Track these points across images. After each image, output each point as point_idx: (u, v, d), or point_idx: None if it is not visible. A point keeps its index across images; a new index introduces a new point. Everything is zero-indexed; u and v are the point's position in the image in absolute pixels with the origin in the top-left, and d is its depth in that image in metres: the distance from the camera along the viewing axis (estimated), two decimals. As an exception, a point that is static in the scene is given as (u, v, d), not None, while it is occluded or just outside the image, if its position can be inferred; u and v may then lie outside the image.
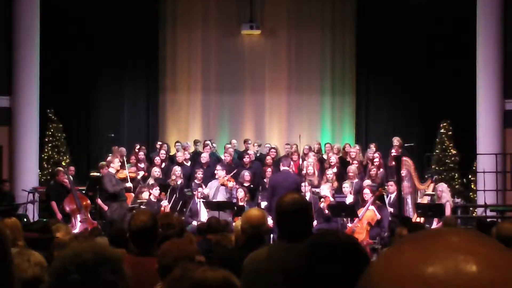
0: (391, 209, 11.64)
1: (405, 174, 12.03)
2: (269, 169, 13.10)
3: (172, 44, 16.91)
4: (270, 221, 11.67)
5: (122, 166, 12.72)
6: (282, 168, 11.79)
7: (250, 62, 16.94)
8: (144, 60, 16.52)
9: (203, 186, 12.67)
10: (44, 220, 7.95)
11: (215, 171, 12.88)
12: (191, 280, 2.37)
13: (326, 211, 11.65)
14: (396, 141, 13.85)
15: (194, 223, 11.64)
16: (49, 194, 12.26)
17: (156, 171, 12.64)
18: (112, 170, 11.97)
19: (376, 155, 13.33)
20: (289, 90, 17.03)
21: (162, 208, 11.84)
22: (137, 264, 3.59)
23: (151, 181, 12.56)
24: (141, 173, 12.44)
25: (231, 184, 12.66)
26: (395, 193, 11.72)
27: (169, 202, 12.16)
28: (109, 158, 12.75)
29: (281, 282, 2.24)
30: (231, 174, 12.95)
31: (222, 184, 12.66)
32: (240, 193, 12.31)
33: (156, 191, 12.14)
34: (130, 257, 3.78)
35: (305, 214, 3.25)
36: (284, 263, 1.98)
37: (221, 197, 12.45)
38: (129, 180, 12.16)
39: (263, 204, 12.38)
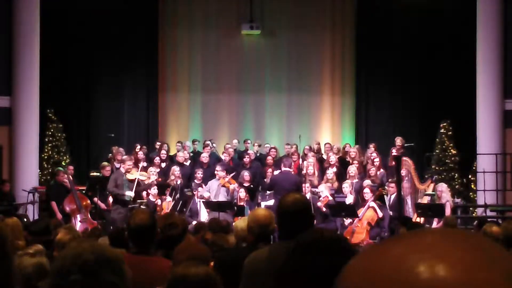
0: (390, 212, 11.64)
1: (405, 174, 12.02)
2: (269, 169, 13.10)
3: (172, 44, 16.91)
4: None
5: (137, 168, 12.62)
6: (283, 168, 11.83)
7: (250, 62, 16.94)
8: (144, 60, 16.51)
9: (203, 186, 12.66)
10: (42, 219, 7.96)
11: (215, 171, 12.86)
12: (173, 275, 2.37)
13: (324, 210, 11.67)
14: (399, 141, 13.85)
15: (194, 223, 11.63)
16: (49, 194, 12.27)
17: (152, 171, 12.57)
18: (123, 171, 11.95)
19: (374, 155, 13.31)
20: (289, 90, 17.02)
21: (165, 204, 11.85)
22: (135, 263, 3.59)
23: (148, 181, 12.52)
24: (153, 177, 12.21)
25: (232, 186, 12.62)
26: (395, 194, 11.71)
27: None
28: (124, 157, 12.64)
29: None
30: (231, 175, 12.90)
31: (223, 186, 12.63)
32: (241, 193, 12.32)
33: (154, 190, 12.14)
34: (129, 257, 3.78)
35: (306, 214, 3.25)
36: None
37: (222, 198, 12.43)
38: (135, 183, 11.96)
39: (263, 204, 12.39)
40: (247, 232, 4.10)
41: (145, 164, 13.35)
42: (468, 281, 0.70)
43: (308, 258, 1.80)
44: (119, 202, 11.71)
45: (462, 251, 0.73)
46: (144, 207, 11.51)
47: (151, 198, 12.05)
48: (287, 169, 11.63)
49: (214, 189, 12.56)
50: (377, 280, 0.73)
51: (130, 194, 11.71)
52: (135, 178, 11.92)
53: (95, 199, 12.31)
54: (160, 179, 12.49)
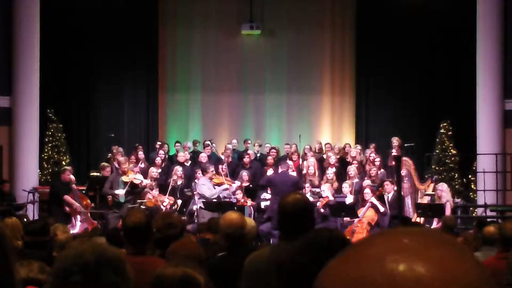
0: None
1: (405, 174, 12.03)
2: (270, 170, 13.09)
3: (172, 44, 16.91)
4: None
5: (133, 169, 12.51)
6: (280, 170, 11.84)
7: (250, 62, 16.93)
8: (144, 60, 16.51)
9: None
10: (40, 219, 7.93)
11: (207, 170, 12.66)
12: (154, 276, 2.36)
13: (322, 210, 11.67)
14: (395, 141, 13.85)
15: (195, 222, 11.65)
16: (58, 191, 12.03)
17: (153, 172, 12.55)
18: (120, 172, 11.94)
19: (373, 155, 13.31)
20: (289, 90, 17.02)
21: (168, 202, 11.85)
22: (130, 263, 3.58)
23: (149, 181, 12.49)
24: (146, 181, 12.06)
25: (234, 185, 12.60)
26: (392, 192, 11.73)
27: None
28: (121, 159, 12.50)
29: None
30: (223, 173, 12.86)
31: (217, 184, 12.56)
32: (238, 194, 12.35)
33: (155, 191, 12.13)
34: (126, 257, 3.77)
35: (307, 214, 3.25)
36: (280, 259, 2.00)
37: (212, 192, 12.29)
38: (128, 185, 11.80)
39: (263, 204, 12.39)
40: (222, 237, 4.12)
41: (142, 165, 13.33)
42: (446, 277, 0.72)
43: (312, 257, 1.80)
44: (114, 204, 11.62)
45: (437, 248, 0.75)
46: (143, 207, 11.51)
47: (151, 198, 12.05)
48: (284, 170, 11.64)
49: (208, 185, 12.37)
50: (357, 281, 0.74)
51: (120, 192, 11.57)
52: (130, 181, 11.82)
53: (109, 197, 12.10)
54: (153, 183, 12.35)
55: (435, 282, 0.71)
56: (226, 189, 12.37)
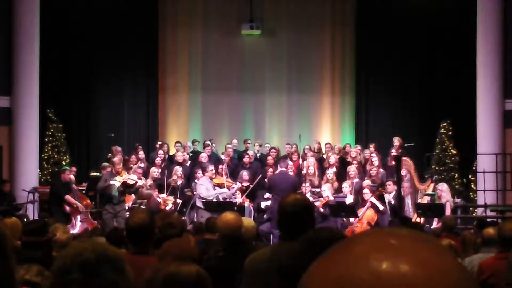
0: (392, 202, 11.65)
1: (405, 174, 12.03)
2: (270, 169, 13.08)
3: (172, 43, 16.91)
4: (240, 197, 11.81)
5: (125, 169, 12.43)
6: (279, 169, 11.84)
7: (250, 62, 16.93)
8: (144, 60, 16.51)
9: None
10: (39, 219, 7.92)
11: (206, 170, 12.66)
12: (164, 273, 2.36)
13: (321, 210, 11.68)
14: (396, 141, 13.85)
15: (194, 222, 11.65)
16: (59, 191, 12.00)
17: (154, 172, 12.56)
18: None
19: (373, 155, 13.30)
20: (289, 90, 17.03)
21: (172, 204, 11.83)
22: (133, 263, 3.58)
23: (149, 181, 12.49)
24: (141, 181, 11.97)
25: (234, 186, 12.60)
26: (393, 193, 11.73)
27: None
28: (115, 159, 12.44)
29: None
30: (225, 175, 12.86)
31: (218, 185, 12.56)
32: (238, 195, 12.35)
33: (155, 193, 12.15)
34: (127, 257, 3.77)
35: (307, 214, 3.25)
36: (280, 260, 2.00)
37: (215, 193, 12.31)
38: (121, 185, 11.65)
39: (263, 204, 12.40)
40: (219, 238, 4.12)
41: (142, 165, 13.31)
42: (430, 275, 0.73)
43: (313, 258, 1.80)
44: (107, 201, 11.47)
45: (421, 248, 0.76)
46: (143, 207, 11.51)
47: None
48: (284, 169, 11.64)
49: (206, 185, 12.38)
50: (341, 279, 0.75)
51: (115, 182, 11.38)
52: (123, 181, 11.71)
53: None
54: (147, 183, 12.31)
55: (418, 280, 0.72)
56: (225, 192, 12.36)
